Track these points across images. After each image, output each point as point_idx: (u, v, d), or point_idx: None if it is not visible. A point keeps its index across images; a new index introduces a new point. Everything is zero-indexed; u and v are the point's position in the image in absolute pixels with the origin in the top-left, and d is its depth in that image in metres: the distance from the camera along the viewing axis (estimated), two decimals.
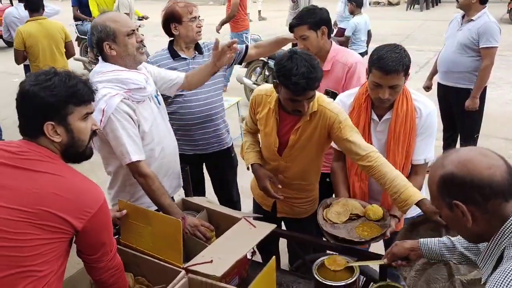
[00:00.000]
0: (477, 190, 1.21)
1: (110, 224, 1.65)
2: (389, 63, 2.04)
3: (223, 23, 7.23)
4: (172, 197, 2.61)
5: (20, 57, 5.32)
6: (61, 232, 1.46)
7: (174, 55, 2.97)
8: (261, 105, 2.37)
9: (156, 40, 8.22)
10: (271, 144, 2.37)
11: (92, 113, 1.64)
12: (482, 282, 1.31)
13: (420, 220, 2.04)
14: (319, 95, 2.27)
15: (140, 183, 2.27)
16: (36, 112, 1.49)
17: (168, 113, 2.79)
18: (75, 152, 1.60)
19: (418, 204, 1.98)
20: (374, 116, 2.28)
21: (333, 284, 1.81)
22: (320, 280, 1.83)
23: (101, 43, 2.22)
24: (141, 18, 8.14)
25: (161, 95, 2.60)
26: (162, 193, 2.26)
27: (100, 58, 2.32)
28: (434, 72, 4.63)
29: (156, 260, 1.97)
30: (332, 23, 7.58)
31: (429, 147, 2.27)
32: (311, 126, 2.27)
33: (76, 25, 8.89)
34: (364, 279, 2.25)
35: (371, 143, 2.27)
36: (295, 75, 2.03)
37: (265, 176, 2.38)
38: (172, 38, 3.02)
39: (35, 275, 1.44)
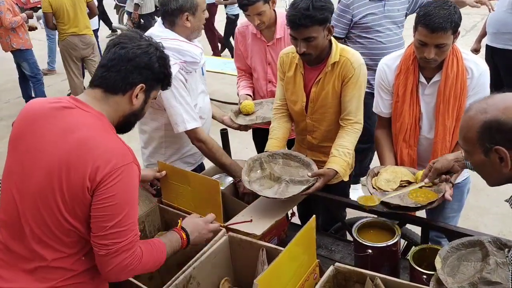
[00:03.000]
0: None
1: (130, 196, 1.43)
2: (436, 20, 1.93)
3: None
4: (202, 163, 2.67)
5: (50, 20, 5.75)
6: (83, 199, 1.40)
7: None
8: (289, 64, 2.36)
9: None
10: (299, 101, 2.35)
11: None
12: None
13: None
14: (343, 46, 2.26)
15: (198, 147, 2.36)
16: (142, 72, 1.53)
17: None
18: (132, 121, 1.63)
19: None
20: (422, 79, 2.17)
21: (374, 245, 1.79)
22: (361, 241, 1.82)
23: (180, 12, 2.24)
24: None
25: None
26: (222, 154, 2.35)
27: (159, 21, 2.34)
28: (483, 34, 4.41)
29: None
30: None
31: None
32: (332, 78, 2.24)
33: None
34: (406, 242, 2.23)
35: (419, 107, 2.19)
36: (294, 8, 2.07)
37: None
38: None
39: (76, 235, 1.46)
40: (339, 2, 3.34)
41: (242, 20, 2.89)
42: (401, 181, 2.07)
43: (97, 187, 1.38)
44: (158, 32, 2.29)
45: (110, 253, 1.40)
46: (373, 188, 2.07)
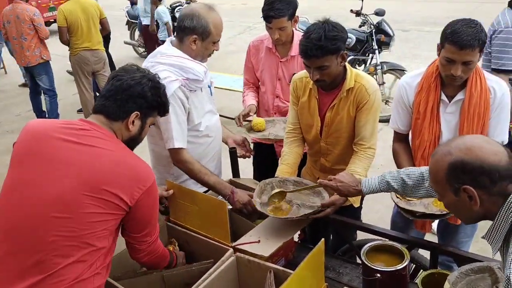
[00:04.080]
0: (487, 175, 1.29)
1: (157, 205, 1.72)
2: (464, 37, 1.94)
3: None
4: None
5: (64, 34, 5.79)
6: (117, 208, 1.53)
7: None
8: (302, 88, 2.37)
9: None
10: (313, 125, 2.35)
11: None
12: (493, 256, 1.41)
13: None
14: (357, 72, 2.25)
15: (180, 168, 2.34)
16: (135, 100, 1.67)
17: None
18: (131, 146, 1.74)
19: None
20: (444, 97, 2.18)
21: (383, 269, 1.77)
22: (370, 265, 1.80)
23: (191, 32, 2.24)
24: (188, 2, 8.19)
25: None
26: (204, 174, 2.30)
27: (168, 39, 2.36)
28: None
29: (205, 238, 2.01)
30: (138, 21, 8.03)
31: (504, 129, 2.16)
32: (347, 103, 2.24)
33: (127, 10, 9.10)
34: (414, 266, 2.21)
35: (439, 125, 2.20)
36: (306, 38, 2.07)
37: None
38: None
39: (91, 247, 1.50)
40: (498, 32, 3.16)
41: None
42: None
43: (137, 202, 1.57)
44: (164, 49, 2.31)
45: (149, 244, 1.73)
46: (397, 197, 2.06)
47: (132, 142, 1.73)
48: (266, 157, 3.22)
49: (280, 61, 2.92)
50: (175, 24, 2.34)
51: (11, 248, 1.49)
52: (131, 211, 1.58)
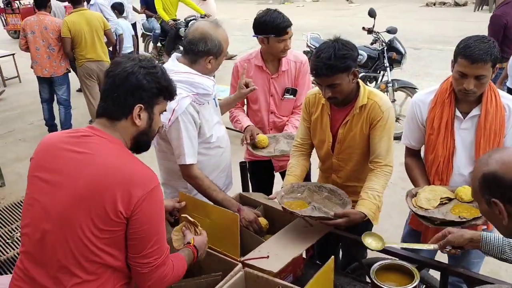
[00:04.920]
0: None
1: (161, 216, 1.55)
2: (476, 51, 1.97)
3: None
4: None
5: (68, 44, 5.91)
6: (112, 223, 1.45)
7: None
8: (315, 104, 2.38)
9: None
10: (325, 140, 2.36)
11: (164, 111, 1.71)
12: None
13: None
14: (370, 89, 2.27)
15: (190, 183, 2.36)
16: (133, 93, 1.54)
17: None
18: (144, 140, 1.65)
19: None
20: (458, 113, 2.18)
21: None
22: (379, 284, 1.78)
23: (206, 55, 2.28)
24: (203, 16, 8.29)
25: None
26: (213, 190, 2.32)
27: (173, 56, 2.39)
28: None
29: (214, 252, 2.01)
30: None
31: None
32: (360, 120, 2.25)
33: (142, 22, 9.24)
34: (424, 286, 2.18)
35: (453, 141, 2.20)
36: (316, 57, 2.09)
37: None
38: None
39: (96, 265, 1.48)
40: None
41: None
42: (441, 198, 2.07)
43: (133, 212, 1.44)
44: (171, 66, 2.32)
45: (153, 269, 1.52)
46: (414, 206, 2.07)
47: (143, 136, 1.62)
48: (263, 171, 3.26)
49: (271, 78, 2.96)
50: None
51: (34, 265, 1.52)
52: (130, 223, 1.45)
